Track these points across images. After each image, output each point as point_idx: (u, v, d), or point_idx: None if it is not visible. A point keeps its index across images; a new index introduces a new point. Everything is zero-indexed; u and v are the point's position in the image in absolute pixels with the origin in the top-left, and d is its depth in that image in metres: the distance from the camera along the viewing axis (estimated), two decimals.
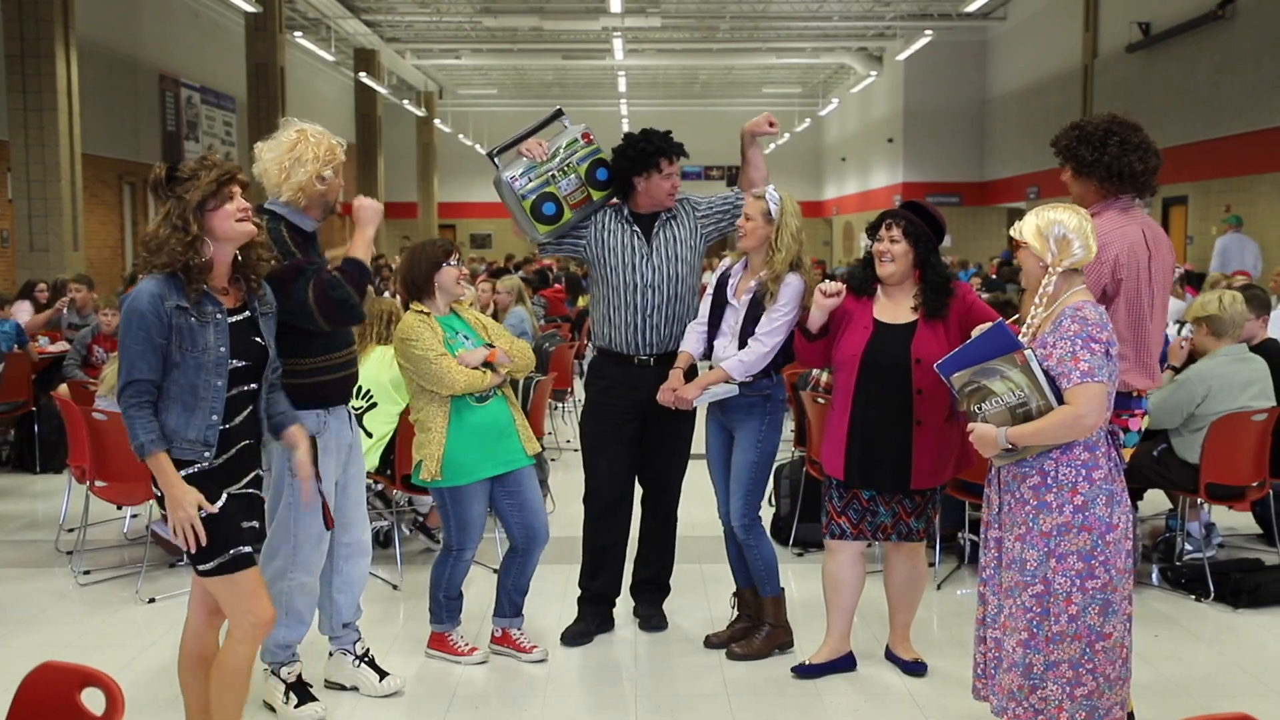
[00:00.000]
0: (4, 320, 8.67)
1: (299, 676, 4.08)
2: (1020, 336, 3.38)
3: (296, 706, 4.02)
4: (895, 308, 4.22)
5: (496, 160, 4.86)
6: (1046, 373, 3.26)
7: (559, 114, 4.91)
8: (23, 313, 10.18)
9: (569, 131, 4.81)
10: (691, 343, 4.61)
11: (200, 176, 3.25)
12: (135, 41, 20.41)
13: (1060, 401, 3.27)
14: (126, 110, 19.87)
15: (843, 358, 4.22)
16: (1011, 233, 3.46)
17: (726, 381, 4.42)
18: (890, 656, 4.54)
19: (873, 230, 4.23)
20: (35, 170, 14.46)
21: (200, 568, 3.31)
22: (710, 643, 4.74)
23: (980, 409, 3.35)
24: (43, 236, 14.62)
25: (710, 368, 4.54)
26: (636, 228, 4.74)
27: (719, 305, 4.56)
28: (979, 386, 3.33)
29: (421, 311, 4.47)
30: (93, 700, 2.11)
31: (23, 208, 14.64)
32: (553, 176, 4.72)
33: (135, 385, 3.22)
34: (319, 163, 3.83)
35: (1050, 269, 3.36)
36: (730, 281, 4.55)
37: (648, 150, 4.68)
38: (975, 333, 3.54)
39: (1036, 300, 3.38)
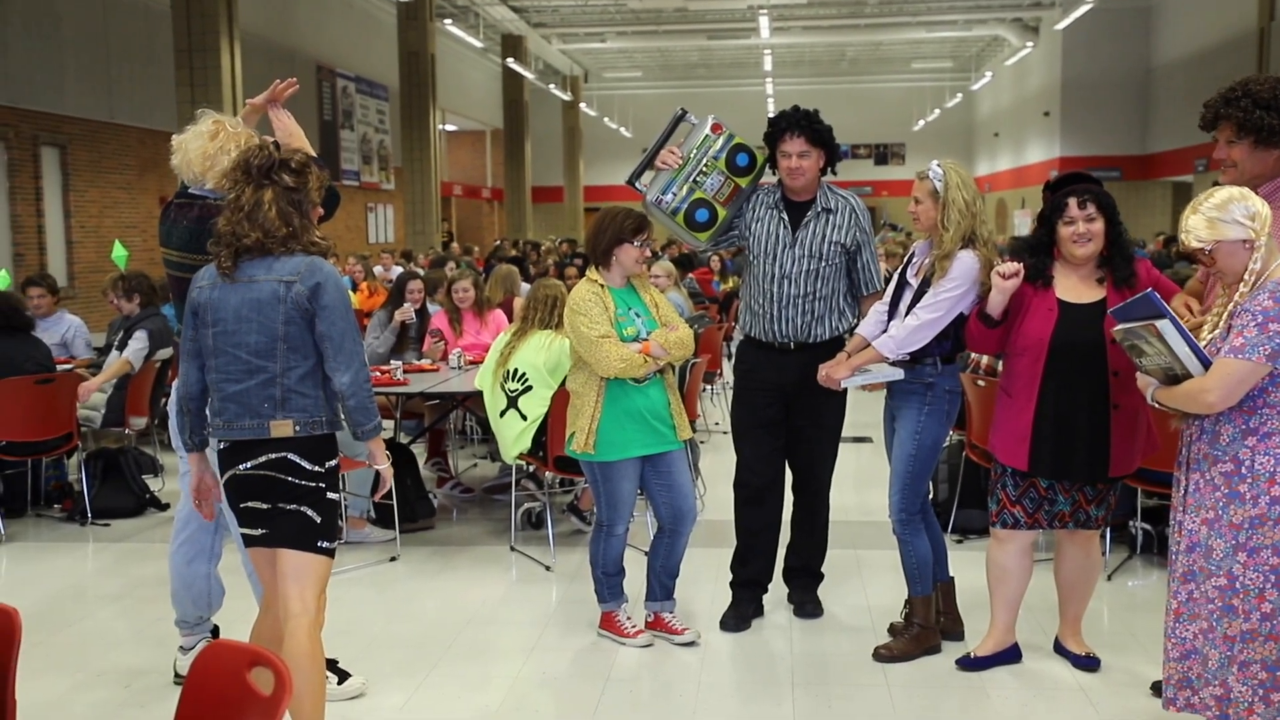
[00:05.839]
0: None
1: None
2: (1206, 330, 3.25)
3: (339, 683, 4.00)
4: (1079, 285, 3.97)
5: (638, 185, 4.76)
6: (1195, 344, 3.15)
7: (683, 115, 4.76)
8: None
9: (698, 128, 4.65)
10: (869, 324, 4.43)
11: (310, 171, 3.36)
12: (293, 33, 21.11)
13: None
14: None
15: (1026, 343, 3.97)
16: (1193, 244, 3.17)
17: (885, 363, 4.24)
18: (1060, 650, 4.34)
19: (1055, 211, 3.94)
20: None
21: (329, 545, 3.33)
22: (893, 629, 4.57)
23: (1140, 363, 3.34)
24: None
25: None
26: (785, 215, 4.59)
27: (901, 287, 4.34)
28: (1133, 344, 3.28)
29: (596, 282, 4.44)
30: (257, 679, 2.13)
31: None
32: (696, 181, 4.59)
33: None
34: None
35: (1256, 245, 3.13)
36: (914, 261, 4.33)
37: (770, 132, 4.55)
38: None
39: (1246, 278, 3.14)
